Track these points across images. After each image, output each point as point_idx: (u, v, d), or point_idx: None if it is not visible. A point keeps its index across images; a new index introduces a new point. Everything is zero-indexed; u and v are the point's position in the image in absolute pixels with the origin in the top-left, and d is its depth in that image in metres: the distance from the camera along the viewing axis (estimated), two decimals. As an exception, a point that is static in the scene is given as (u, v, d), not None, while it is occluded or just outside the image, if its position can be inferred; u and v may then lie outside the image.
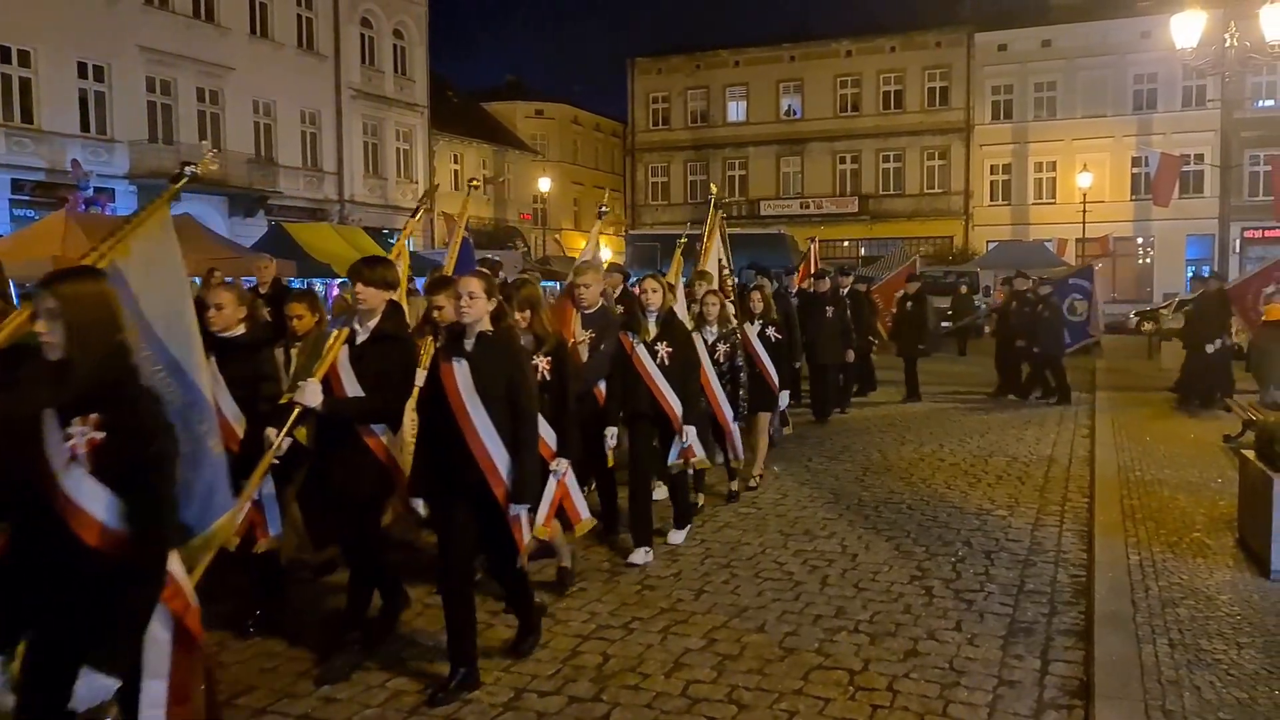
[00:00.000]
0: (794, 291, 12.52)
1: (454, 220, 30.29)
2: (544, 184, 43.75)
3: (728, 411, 7.44)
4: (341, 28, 33.28)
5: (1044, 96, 40.22)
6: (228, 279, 8.28)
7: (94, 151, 25.09)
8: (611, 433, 6.31)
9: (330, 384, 4.57)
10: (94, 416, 2.72)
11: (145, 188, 26.00)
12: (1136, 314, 28.55)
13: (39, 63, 24.16)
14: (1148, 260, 38.68)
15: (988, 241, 38.92)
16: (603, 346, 6.43)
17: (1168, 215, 30.07)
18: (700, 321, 7.55)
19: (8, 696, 2.83)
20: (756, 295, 8.54)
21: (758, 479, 8.47)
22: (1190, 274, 36.50)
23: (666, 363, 6.28)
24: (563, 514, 5.21)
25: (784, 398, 8.51)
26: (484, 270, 6.78)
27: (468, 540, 4.40)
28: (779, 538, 6.95)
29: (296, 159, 31.90)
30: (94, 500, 2.70)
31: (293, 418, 4.47)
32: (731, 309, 8.31)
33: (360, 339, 4.67)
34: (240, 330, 5.06)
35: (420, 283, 7.85)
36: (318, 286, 18.21)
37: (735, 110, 45.86)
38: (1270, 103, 36.40)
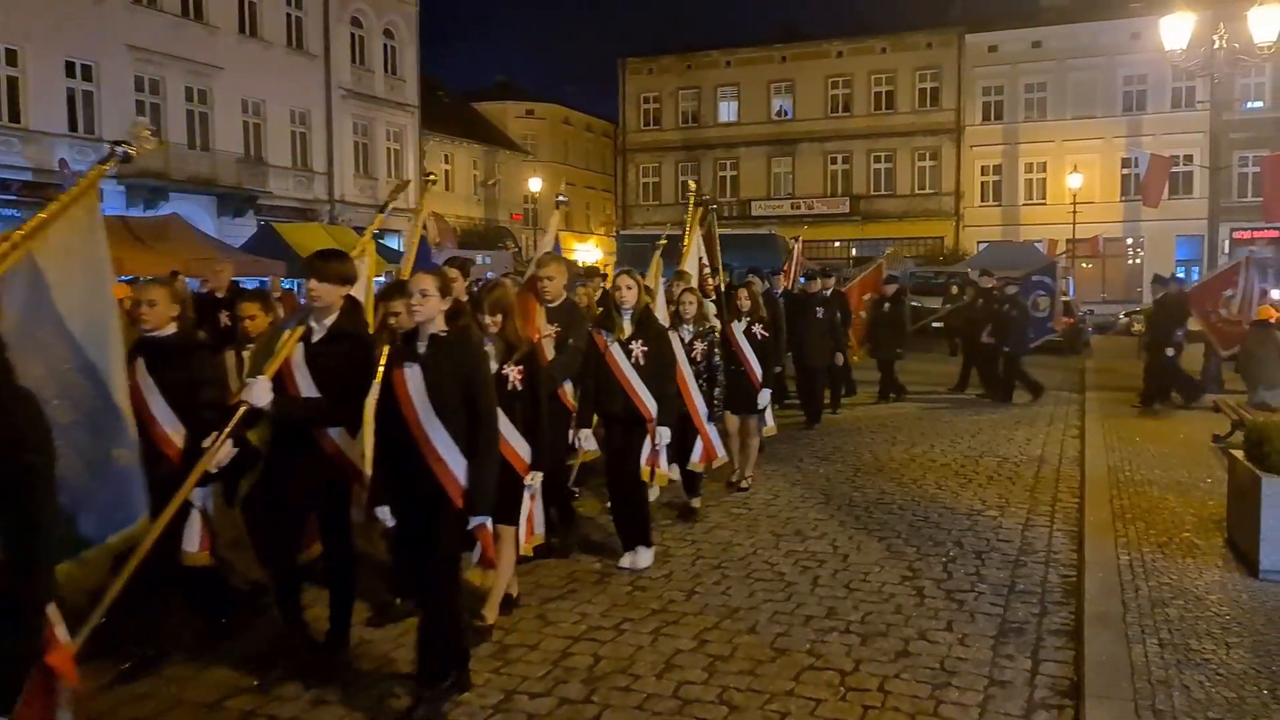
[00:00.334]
0: (779, 292, 12.34)
1: (442, 219, 30.33)
2: (535, 184, 43.72)
3: (703, 411, 7.21)
4: (331, 27, 33.18)
5: (1034, 97, 40.37)
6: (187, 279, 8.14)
7: (81, 151, 24.91)
8: (586, 434, 6.15)
9: (284, 384, 4.35)
10: None
11: (133, 187, 25.90)
12: (1126, 314, 28.67)
13: (26, 61, 24.01)
14: (1137, 261, 38.83)
15: (978, 242, 38.99)
16: (570, 342, 6.25)
17: (1157, 216, 30.18)
18: (677, 320, 7.38)
19: None
20: (744, 293, 8.40)
21: (749, 480, 8.42)
22: (1185, 276, 36.59)
23: (641, 362, 6.06)
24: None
25: (764, 396, 8.30)
26: (448, 268, 6.65)
27: (429, 554, 4.18)
28: (770, 538, 6.94)
29: (286, 159, 31.79)
30: None
31: (237, 418, 4.24)
32: (712, 308, 8.28)
33: (316, 337, 4.46)
34: (171, 330, 4.68)
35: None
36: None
37: (726, 110, 45.92)
38: (1259, 104, 36.59)
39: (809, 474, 9.21)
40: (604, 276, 9.93)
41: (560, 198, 9.46)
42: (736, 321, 8.24)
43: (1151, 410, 13.13)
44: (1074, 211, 34.76)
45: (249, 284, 14.65)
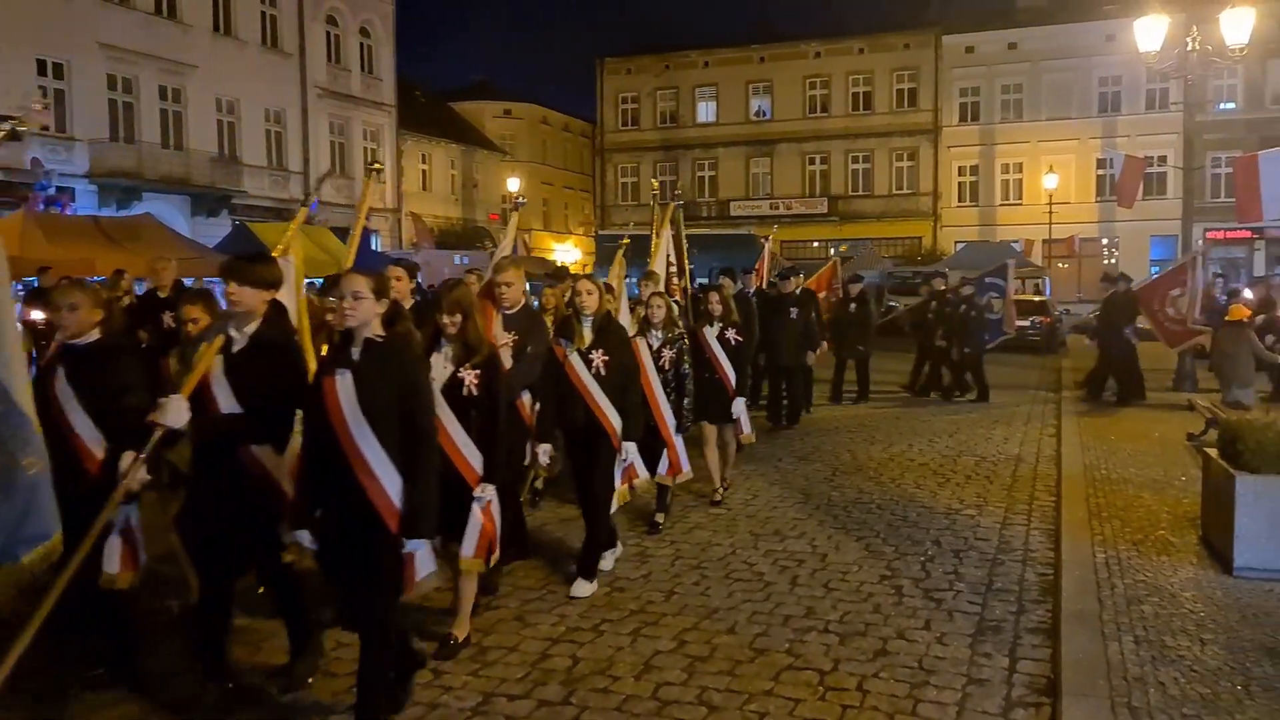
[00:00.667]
0: (751, 292, 12.05)
1: (420, 219, 30.13)
2: (513, 184, 43.60)
3: (670, 422, 6.83)
4: (306, 25, 33.00)
5: (1010, 99, 40.66)
6: (96, 279, 7.58)
7: (53, 150, 24.65)
8: (545, 450, 5.72)
9: (203, 399, 4.01)
10: None
11: (106, 187, 25.66)
12: (1090, 313, 28.88)
13: (-4, 59, 23.76)
14: (1113, 260, 39.11)
15: (956, 242, 39.26)
16: (528, 349, 5.95)
17: (1132, 216, 30.40)
18: (645, 325, 6.98)
19: None
20: (714, 296, 8.00)
21: (723, 491, 8.03)
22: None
23: (603, 372, 5.67)
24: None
25: (739, 404, 7.89)
26: (393, 268, 6.33)
27: (360, 580, 3.85)
28: (749, 538, 6.94)
29: (261, 158, 31.60)
30: None
31: (153, 441, 3.90)
32: (675, 310, 8.14)
33: (237, 347, 4.12)
34: (95, 335, 4.32)
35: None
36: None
37: (705, 111, 45.97)
38: (1231, 105, 36.98)
39: (787, 474, 9.22)
40: (576, 277, 9.70)
41: (519, 199, 9.16)
42: (709, 326, 7.89)
43: (1123, 405, 13.27)
44: (1050, 212, 35.05)
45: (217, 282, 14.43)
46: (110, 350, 4.35)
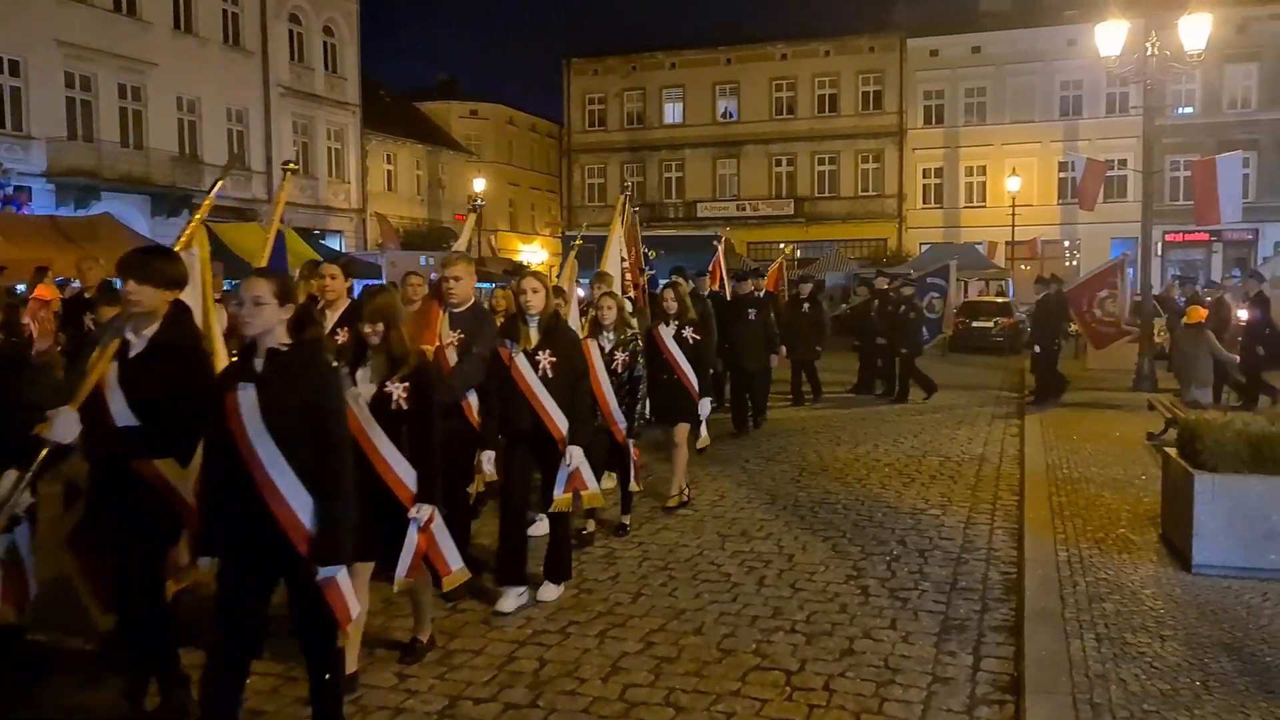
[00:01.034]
0: (705, 294, 11.78)
1: (385, 220, 29.86)
2: (479, 185, 43.42)
3: (624, 426, 6.66)
4: (269, 24, 32.66)
5: (974, 102, 41.04)
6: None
7: (9, 149, 24.25)
8: (488, 457, 5.47)
9: (96, 410, 3.68)
10: None
11: (64, 186, 25.25)
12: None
13: (-49, 56, 23.34)
14: (1074, 262, 39.63)
15: (920, 244, 39.56)
16: (474, 350, 5.65)
17: (1093, 219, 30.81)
18: (595, 327, 6.76)
19: None
20: (670, 294, 7.80)
21: (678, 498, 7.81)
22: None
23: (550, 374, 5.43)
24: (431, 566, 4.57)
25: (705, 406, 7.70)
26: (328, 266, 6.09)
27: (260, 612, 3.56)
28: (716, 539, 6.94)
29: (223, 157, 31.11)
30: None
31: (40, 459, 3.61)
32: (629, 305, 7.80)
33: (134, 351, 3.78)
34: None
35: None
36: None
37: (671, 112, 45.98)
38: (1190, 110, 37.56)
39: (754, 475, 9.24)
40: (524, 274, 9.43)
41: (477, 201, 8.85)
42: (664, 325, 7.67)
43: (1045, 408, 13.53)
44: (1013, 214, 35.44)
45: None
46: (7, 364, 4.08)
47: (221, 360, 4.65)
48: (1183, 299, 14.19)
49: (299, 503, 3.44)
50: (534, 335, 5.49)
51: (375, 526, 4.25)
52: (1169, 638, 4.85)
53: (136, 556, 3.81)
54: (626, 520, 7.14)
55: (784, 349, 12.65)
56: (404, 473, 4.32)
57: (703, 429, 7.98)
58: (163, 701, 4.01)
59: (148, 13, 28.36)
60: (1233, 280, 18.12)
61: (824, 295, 17.75)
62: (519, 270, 12.89)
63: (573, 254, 8.41)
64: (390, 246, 30.59)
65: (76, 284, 10.68)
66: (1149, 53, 15.33)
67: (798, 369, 14.32)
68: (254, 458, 3.42)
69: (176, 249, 4.60)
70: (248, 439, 3.42)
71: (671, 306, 7.69)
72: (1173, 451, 6.54)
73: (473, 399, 5.75)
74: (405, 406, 4.32)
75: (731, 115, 45.02)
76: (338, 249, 30.23)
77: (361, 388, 4.36)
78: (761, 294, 12.21)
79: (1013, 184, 36.39)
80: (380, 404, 4.34)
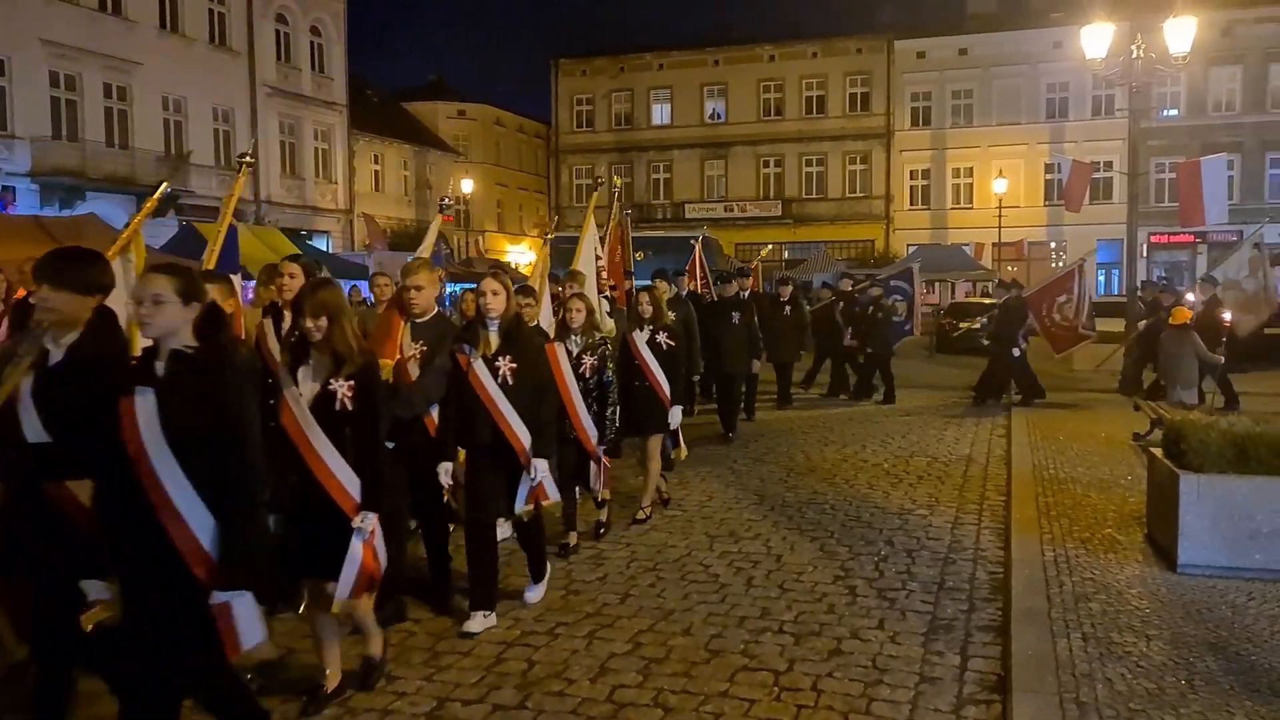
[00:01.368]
0: (685, 294, 11.52)
1: (373, 220, 29.81)
2: (466, 185, 43.34)
3: (593, 435, 6.36)
4: (255, 23, 32.51)
5: (961, 104, 41.21)
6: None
7: (-6, 149, 24.12)
8: (446, 469, 5.11)
9: (6, 425, 3.38)
10: None
11: (48, 186, 25.08)
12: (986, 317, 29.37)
13: (-66, 55, 23.15)
14: (1060, 264, 39.82)
15: (908, 245, 39.68)
16: (436, 362, 5.33)
17: (1079, 220, 30.92)
18: (563, 330, 6.48)
19: None
20: (645, 297, 7.45)
21: (647, 511, 7.47)
22: (1105, 279, 37.72)
23: (510, 381, 5.07)
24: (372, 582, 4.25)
25: (675, 414, 7.37)
26: (287, 263, 5.78)
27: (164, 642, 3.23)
28: (704, 540, 6.94)
29: (209, 157, 31.05)
30: None
31: None
32: (607, 307, 7.69)
33: (52, 362, 3.45)
34: None
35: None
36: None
37: (659, 113, 46.03)
38: (1175, 112, 37.81)
39: (742, 475, 9.25)
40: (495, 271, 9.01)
41: (444, 200, 8.29)
42: (638, 330, 7.34)
43: (984, 408, 13.76)
44: (1000, 215, 35.58)
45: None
46: None
47: None
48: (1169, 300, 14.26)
49: (197, 521, 3.16)
50: (494, 340, 5.15)
51: (313, 543, 4.05)
52: (1155, 637, 4.87)
53: (51, 585, 3.46)
54: (603, 516, 7.02)
55: (764, 354, 12.54)
56: (347, 480, 4.03)
57: (680, 439, 7.77)
58: None
59: (133, 12, 28.20)
60: (1160, 284, 18.13)
61: (808, 296, 17.79)
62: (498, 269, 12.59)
63: (544, 250, 8.10)
64: (377, 247, 30.50)
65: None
66: (1134, 55, 15.43)
67: (780, 370, 14.29)
68: (149, 472, 3.13)
69: (109, 255, 4.30)
70: (144, 450, 3.13)
71: (646, 310, 7.37)
72: (1158, 452, 6.57)
73: (434, 412, 5.42)
74: (350, 407, 4.05)
75: (719, 116, 45.09)
76: (324, 250, 30.15)
77: (303, 387, 4.09)
78: (745, 294, 12.01)
79: (999, 185, 36.54)
80: (323, 404, 4.06)
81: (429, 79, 53.00)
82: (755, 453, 10.40)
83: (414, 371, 5.35)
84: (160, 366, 3.23)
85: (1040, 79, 39.67)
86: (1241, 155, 35.98)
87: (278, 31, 33.92)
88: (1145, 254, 35.77)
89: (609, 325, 7.69)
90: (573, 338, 6.44)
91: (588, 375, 6.41)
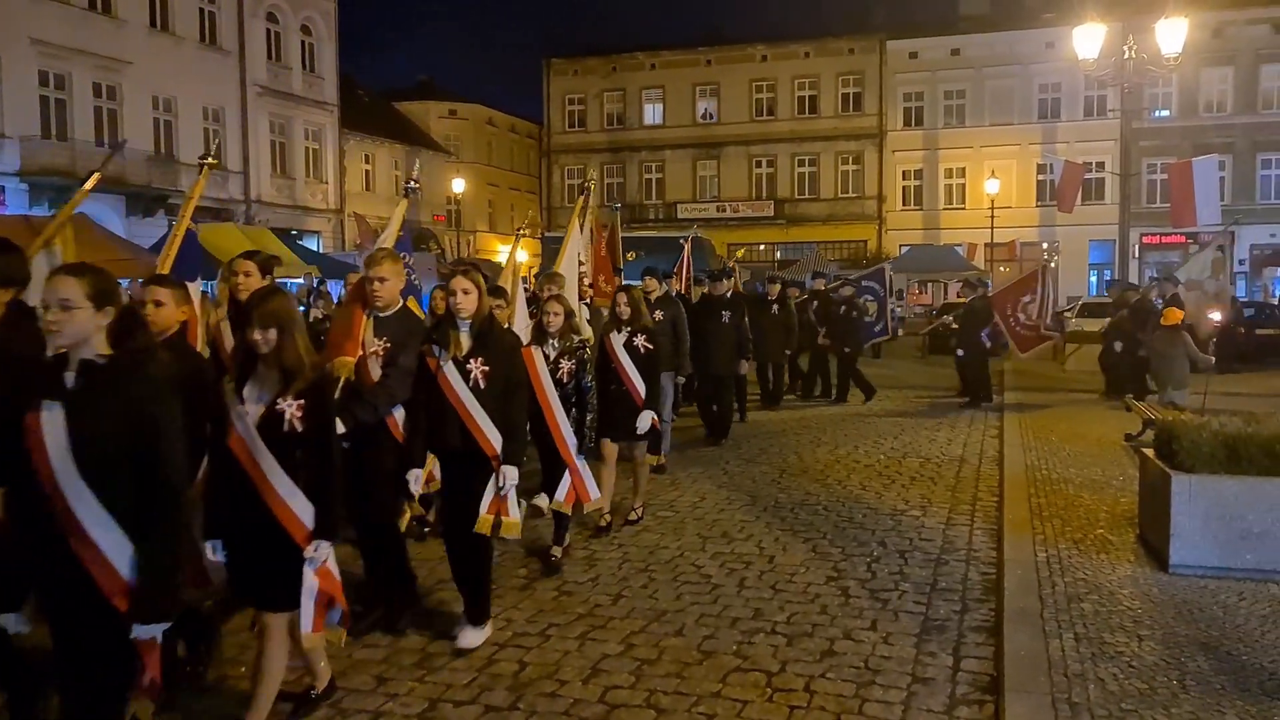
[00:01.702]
0: (674, 294, 11.19)
1: (364, 220, 29.89)
2: (458, 185, 43.28)
3: (571, 443, 6.14)
4: (246, 22, 32.42)
5: (953, 104, 41.30)
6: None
7: (-16, 148, 23.98)
8: (415, 476, 4.85)
9: None
10: None
11: (37, 185, 24.95)
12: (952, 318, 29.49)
13: (-78, 54, 23.01)
14: (1052, 264, 39.90)
15: (900, 245, 39.78)
16: (400, 361, 5.04)
17: (1071, 221, 30.98)
18: (539, 333, 6.28)
19: None
20: (622, 298, 7.20)
21: (639, 512, 7.42)
22: (1097, 279, 37.81)
23: (481, 384, 4.81)
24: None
25: (645, 418, 7.04)
26: (243, 260, 5.42)
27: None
28: (697, 540, 6.93)
29: (199, 157, 30.93)
30: None
31: None
32: (586, 315, 7.47)
33: None
34: None
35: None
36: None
37: (651, 113, 46.04)
38: (1166, 113, 37.95)
39: (735, 476, 9.24)
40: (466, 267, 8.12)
41: (410, 182, 7.63)
42: (616, 332, 7.12)
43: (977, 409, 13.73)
44: (992, 216, 35.69)
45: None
46: None
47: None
48: (1160, 301, 14.30)
49: (111, 547, 2.93)
50: (465, 341, 4.87)
51: (251, 570, 3.81)
52: (1146, 637, 4.88)
53: None
54: (557, 553, 6.32)
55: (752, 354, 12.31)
56: (299, 506, 3.71)
57: (664, 444, 7.50)
58: None
59: (123, 11, 28.10)
60: (1116, 286, 18.26)
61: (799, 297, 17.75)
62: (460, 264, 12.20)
63: (515, 246, 7.91)
64: (368, 247, 30.28)
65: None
66: (1126, 56, 15.49)
67: (778, 370, 14.30)
68: (58, 492, 2.89)
69: (32, 250, 4.08)
70: (50, 469, 2.89)
71: (624, 312, 7.12)
72: (1150, 452, 6.58)
73: (398, 414, 5.12)
74: (299, 428, 3.69)
75: (712, 116, 45.12)
76: (315, 249, 30.08)
77: (249, 405, 3.74)
78: (730, 295, 11.64)
79: (992, 186, 36.67)
80: (270, 424, 3.69)
81: (420, 79, 52.95)
82: (747, 454, 10.40)
83: (376, 370, 5.05)
84: (70, 378, 2.97)
85: (1032, 79, 39.79)
86: (1233, 156, 36.14)
87: (268, 31, 33.84)
88: (1137, 255, 35.89)
89: (587, 331, 7.52)
90: (550, 341, 6.26)
91: (565, 380, 6.20)
